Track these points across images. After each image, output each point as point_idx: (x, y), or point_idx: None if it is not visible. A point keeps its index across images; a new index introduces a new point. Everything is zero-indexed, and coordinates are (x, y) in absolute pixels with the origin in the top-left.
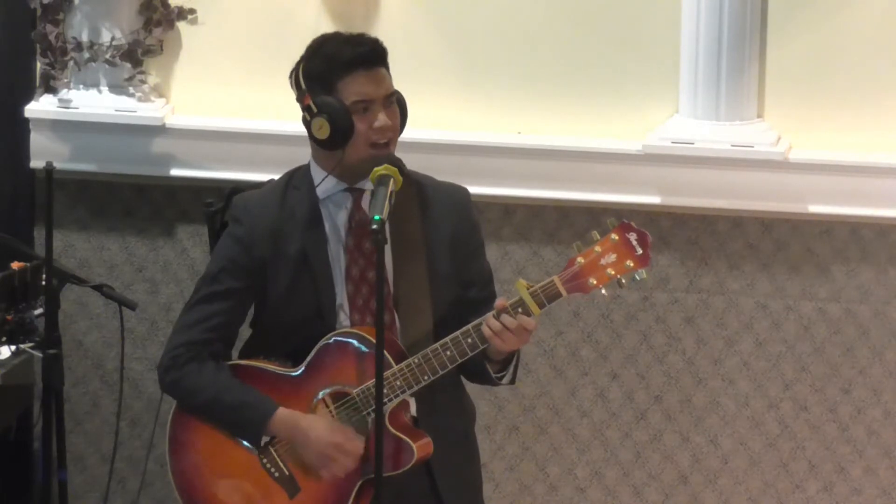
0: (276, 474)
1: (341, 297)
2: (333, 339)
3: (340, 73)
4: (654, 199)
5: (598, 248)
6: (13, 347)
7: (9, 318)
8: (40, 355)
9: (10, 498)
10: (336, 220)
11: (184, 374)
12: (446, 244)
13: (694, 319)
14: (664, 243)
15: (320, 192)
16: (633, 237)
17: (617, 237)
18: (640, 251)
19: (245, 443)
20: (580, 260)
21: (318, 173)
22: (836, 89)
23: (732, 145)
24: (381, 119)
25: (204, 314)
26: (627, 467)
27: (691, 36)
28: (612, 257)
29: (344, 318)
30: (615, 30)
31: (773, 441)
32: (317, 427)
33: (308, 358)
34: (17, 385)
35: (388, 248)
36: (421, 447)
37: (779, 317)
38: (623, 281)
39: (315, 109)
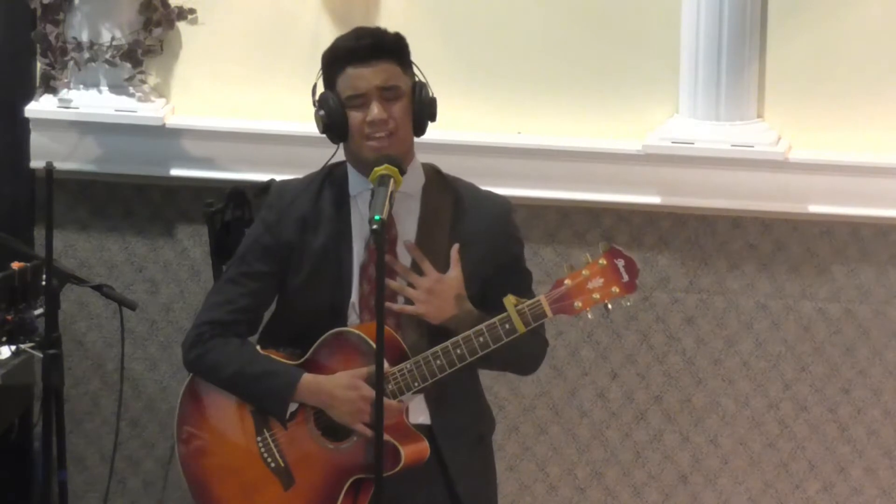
0: (273, 465)
1: (355, 295)
2: (334, 335)
3: (338, 68)
4: (654, 199)
5: (585, 272)
6: (13, 347)
7: (9, 318)
8: (40, 355)
9: (10, 498)
10: (362, 219)
11: (208, 349)
12: (472, 256)
13: (694, 319)
14: (664, 243)
15: (352, 189)
16: (620, 263)
17: (605, 262)
18: (626, 278)
19: (246, 431)
20: (567, 282)
21: (350, 170)
22: (836, 89)
23: (732, 145)
24: (373, 112)
25: (231, 295)
26: (627, 467)
27: (691, 36)
28: (599, 282)
29: (354, 318)
30: (615, 30)
31: (773, 441)
32: (340, 384)
33: (308, 352)
34: (17, 385)
35: (410, 251)
36: (411, 452)
37: (779, 317)
38: (609, 306)
39: (317, 104)
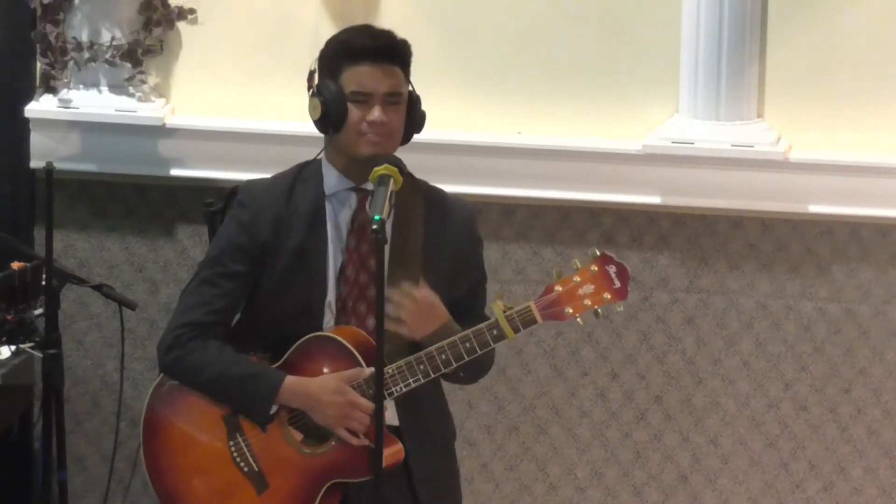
0: (246, 469)
1: (331, 295)
2: (310, 340)
3: (348, 61)
4: (654, 199)
5: (577, 278)
6: (13, 347)
7: (9, 318)
8: (40, 355)
9: (10, 498)
10: (338, 219)
11: (188, 351)
12: (444, 257)
13: (694, 319)
14: (664, 243)
15: (327, 188)
16: (612, 270)
17: (597, 268)
18: (618, 284)
19: (217, 436)
20: (558, 288)
21: (327, 168)
22: (836, 89)
23: (732, 145)
24: (375, 113)
25: (207, 297)
26: (627, 467)
27: (691, 36)
28: (590, 288)
29: (329, 318)
30: (615, 30)
31: (773, 441)
32: (326, 388)
33: (284, 356)
34: (17, 385)
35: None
36: (390, 455)
37: (779, 317)
38: (599, 311)
39: (316, 90)
